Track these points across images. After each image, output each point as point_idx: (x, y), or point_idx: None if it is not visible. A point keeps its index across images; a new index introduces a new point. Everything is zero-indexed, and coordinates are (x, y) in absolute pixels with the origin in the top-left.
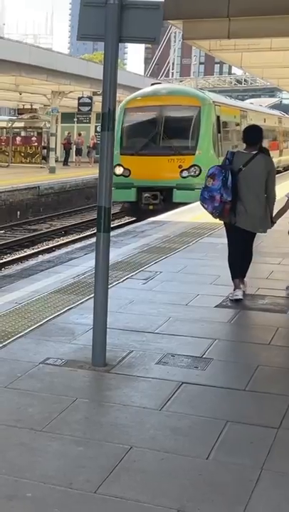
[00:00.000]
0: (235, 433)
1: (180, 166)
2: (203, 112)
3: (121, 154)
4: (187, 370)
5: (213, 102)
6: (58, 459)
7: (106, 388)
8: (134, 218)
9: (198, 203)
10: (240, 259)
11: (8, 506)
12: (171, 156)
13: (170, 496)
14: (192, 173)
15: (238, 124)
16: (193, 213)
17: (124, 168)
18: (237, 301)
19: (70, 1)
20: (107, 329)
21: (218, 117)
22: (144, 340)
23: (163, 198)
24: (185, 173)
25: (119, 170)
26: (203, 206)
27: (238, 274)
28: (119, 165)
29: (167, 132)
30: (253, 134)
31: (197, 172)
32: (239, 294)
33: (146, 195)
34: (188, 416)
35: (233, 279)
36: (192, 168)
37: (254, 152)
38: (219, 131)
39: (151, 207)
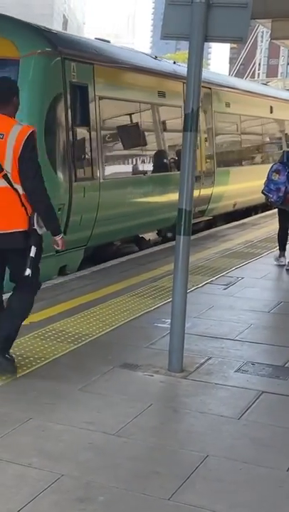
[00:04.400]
0: None
1: None
2: (25, 74)
3: None
4: (268, 379)
5: (60, 51)
6: (131, 464)
7: (182, 394)
8: None
9: None
10: (287, 236)
11: (78, 508)
12: None
13: (248, 506)
14: None
15: (178, 113)
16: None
17: None
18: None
19: (153, 0)
20: (185, 334)
21: (78, 89)
22: (223, 347)
23: None
24: None
25: None
26: (268, 196)
27: (284, 246)
28: None
29: None
30: None
31: None
32: (284, 261)
33: None
34: (269, 426)
35: (280, 250)
36: None
37: None
38: (86, 124)
39: None
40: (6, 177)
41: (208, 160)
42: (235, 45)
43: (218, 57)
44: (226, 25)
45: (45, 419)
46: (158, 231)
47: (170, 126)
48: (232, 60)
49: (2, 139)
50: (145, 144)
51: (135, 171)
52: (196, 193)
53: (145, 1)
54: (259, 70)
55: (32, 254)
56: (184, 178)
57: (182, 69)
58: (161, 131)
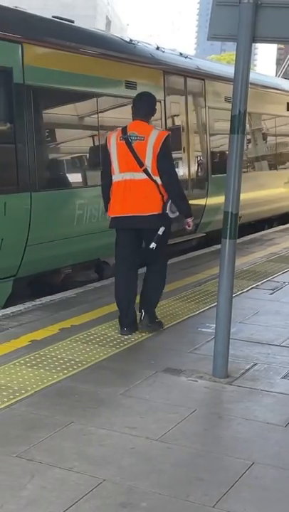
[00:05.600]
0: None
1: None
2: None
3: None
4: None
5: None
6: (174, 470)
7: (227, 401)
8: None
9: None
10: None
11: None
12: None
13: None
14: None
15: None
16: None
17: None
18: None
19: (198, 1)
20: (230, 340)
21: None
22: (269, 353)
23: None
24: None
25: None
26: None
27: None
28: None
29: None
30: None
31: None
32: None
33: None
34: None
35: None
36: None
37: None
38: (8, 120)
39: None
40: (146, 171)
41: (200, 164)
42: (282, 46)
43: (265, 59)
44: (275, 26)
45: (87, 424)
46: None
47: None
48: (279, 61)
49: (143, 140)
50: (99, 148)
51: (85, 179)
52: None
53: (190, 2)
54: None
55: (160, 232)
56: (230, 181)
57: (164, 55)
58: None
